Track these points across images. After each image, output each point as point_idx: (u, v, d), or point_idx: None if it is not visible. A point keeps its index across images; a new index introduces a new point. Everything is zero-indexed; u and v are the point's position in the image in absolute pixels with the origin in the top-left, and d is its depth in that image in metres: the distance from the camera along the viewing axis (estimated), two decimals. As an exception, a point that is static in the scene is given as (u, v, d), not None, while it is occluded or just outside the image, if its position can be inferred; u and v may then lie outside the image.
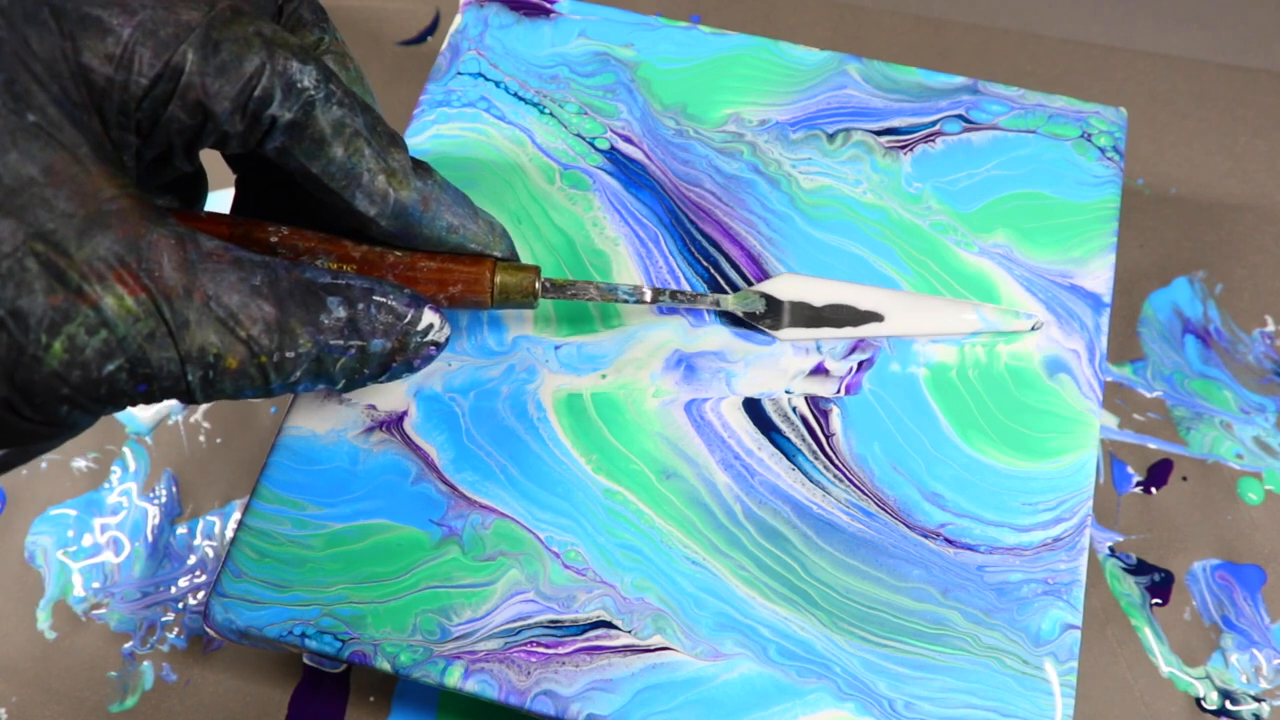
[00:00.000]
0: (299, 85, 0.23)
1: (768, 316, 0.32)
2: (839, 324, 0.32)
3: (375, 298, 0.24)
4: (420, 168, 0.26)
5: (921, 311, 0.32)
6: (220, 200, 0.43)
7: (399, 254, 0.27)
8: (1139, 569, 0.37)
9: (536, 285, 0.28)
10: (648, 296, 0.30)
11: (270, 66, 0.23)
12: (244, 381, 0.23)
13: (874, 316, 0.32)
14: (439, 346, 0.26)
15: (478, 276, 0.27)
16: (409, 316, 0.25)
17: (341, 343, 0.24)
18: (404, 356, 0.25)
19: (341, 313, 0.24)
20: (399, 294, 0.25)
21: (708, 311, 0.33)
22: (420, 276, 0.27)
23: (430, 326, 0.25)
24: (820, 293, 0.32)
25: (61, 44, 0.21)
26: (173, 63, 0.22)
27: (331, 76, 0.24)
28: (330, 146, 0.24)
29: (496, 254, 0.28)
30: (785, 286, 0.33)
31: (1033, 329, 0.32)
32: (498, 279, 0.27)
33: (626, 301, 0.30)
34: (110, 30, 0.21)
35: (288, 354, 0.23)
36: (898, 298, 0.33)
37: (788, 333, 0.32)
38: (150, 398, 0.22)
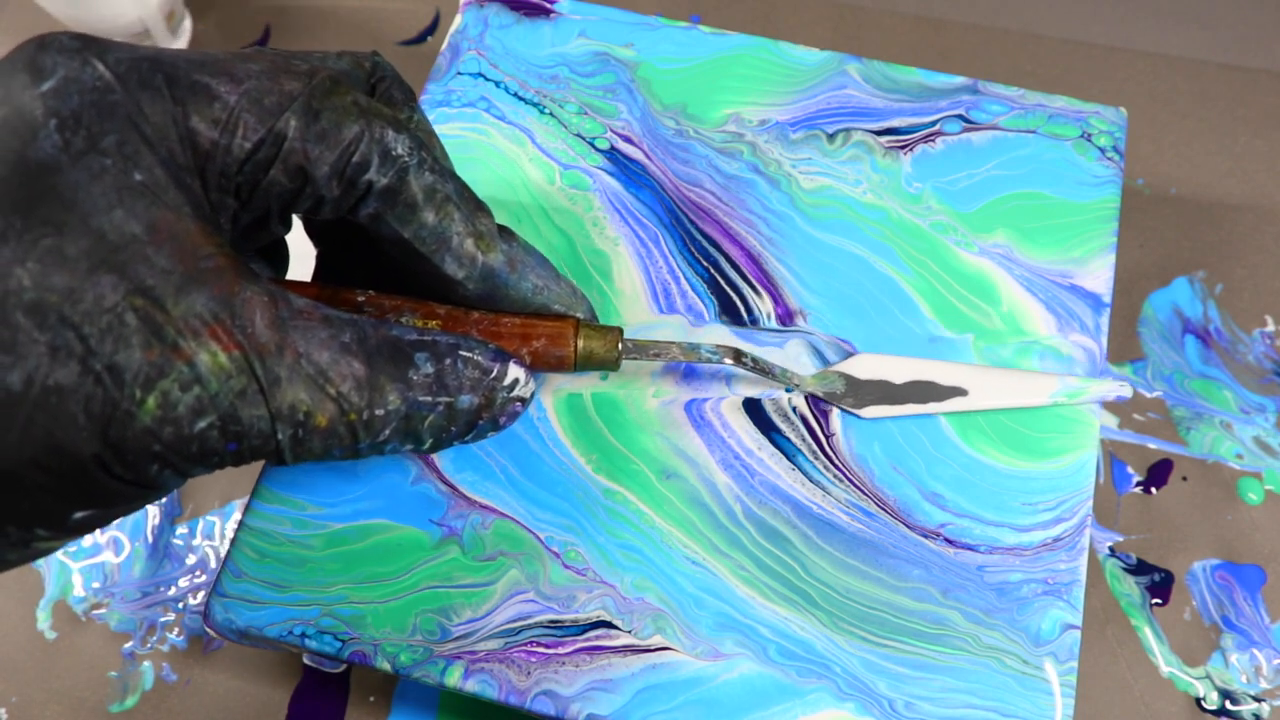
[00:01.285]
0: (394, 153, 0.24)
1: (849, 396, 0.32)
2: (923, 400, 0.32)
3: (462, 353, 0.24)
4: (505, 232, 0.26)
5: (1005, 383, 0.32)
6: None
7: (483, 312, 0.27)
8: (1139, 569, 0.37)
9: (619, 346, 0.28)
10: (729, 360, 0.29)
11: (368, 134, 0.23)
12: (333, 440, 0.23)
13: (958, 391, 0.32)
14: (524, 403, 0.25)
15: (561, 331, 0.27)
16: (495, 371, 0.24)
17: (430, 399, 0.23)
18: (490, 413, 0.25)
19: (429, 368, 0.23)
20: (484, 349, 0.25)
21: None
22: (504, 332, 0.27)
23: (516, 382, 0.25)
24: (899, 370, 0.32)
25: (172, 109, 0.22)
26: (276, 129, 0.22)
27: (423, 145, 0.24)
28: (422, 211, 0.24)
29: (579, 315, 0.28)
30: (863, 365, 0.32)
31: (1118, 398, 0.32)
32: (581, 339, 0.27)
33: (710, 361, 0.29)
34: (218, 97, 0.22)
35: (377, 411, 0.23)
36: (978, 372, 0.32)
37: (871, 410, 0.32)
38: (240, 458, 0.22)
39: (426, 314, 0.26)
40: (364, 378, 0.22)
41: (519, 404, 0.25)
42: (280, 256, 0.29)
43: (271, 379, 0.21)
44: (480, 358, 0.24)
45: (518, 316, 0.27)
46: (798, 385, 0.31)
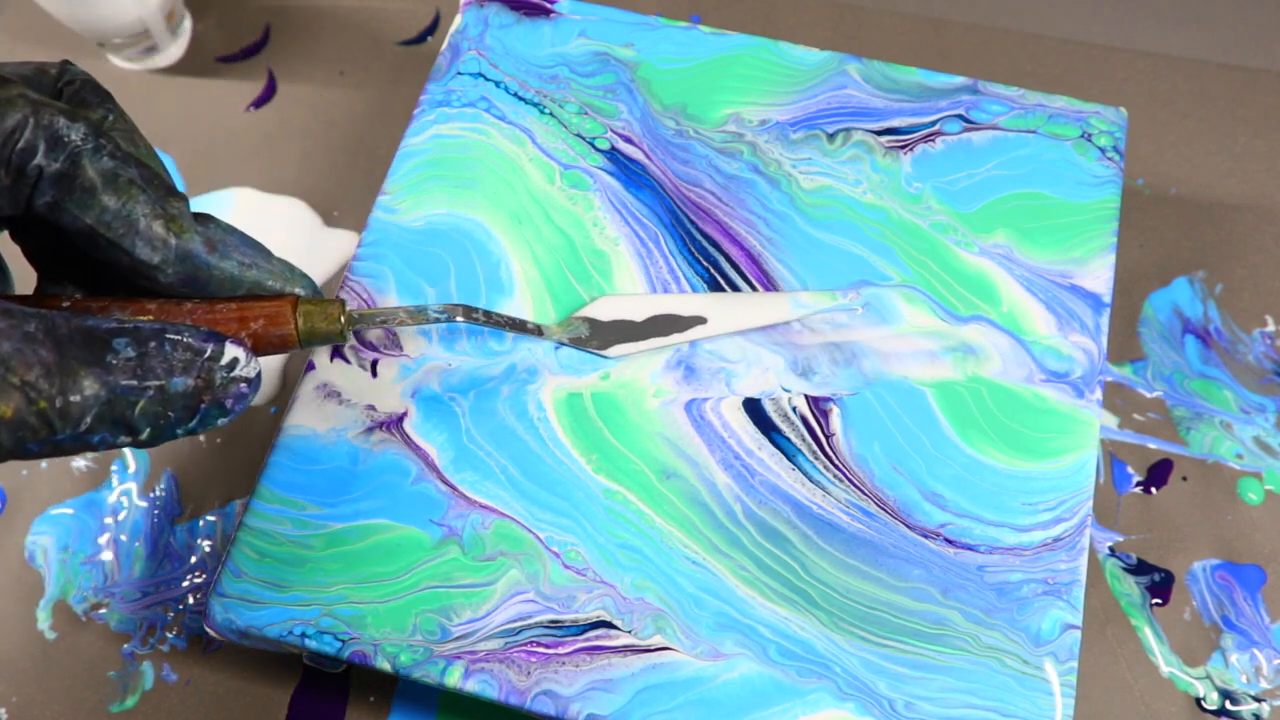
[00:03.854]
0: (65, 139, 0.23)
1: (594, 339, 0.32)
2: (665, 333, 0.32)
3: (169, 335, 0.23)
4: (204, 216, 0.26)
5: (742, 308, 0.33)
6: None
7: (198, 301, 0.26)
8: (1139, 569, 0.37)
9: (341, 315, 0.27)
10: (459, 316, 0.29)
11: (34, 121, 0.23)
12: (25, 432, 0.22)
13: (698, 320, 0.32)
14: (250, 383, 0.25)
15: (279, 310, 0.26)
16: (209, 351, 0.24)
17: (135, 383, 0.23)
18: (212, 395, 0.24)
19: (130, 352, 0.23)
20: (194, 331, 0.24)
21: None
22: (220, 318, 0.26)
23: (235, 361, 0.24)
24: (639, 308, 0.33)
25: None
26: None
27: (104, 134, 0.24)
28: (101, 195, 0.24)
29: (298, 291, 0.27)
30: (605, 308, 0.33)
31: (855, 308, 0.32)
32: (300, 316, 0.27)
33: (439, 321, 0.29)
34: None
35: (72, 398, 0.22)
36: (716, 300, 0.33)
37: (616, 349, 0.32)
38: None
39: (137, 310, 0.26)
40: (53, 364, 0.22)
41: (244, 384, 0.25)
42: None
43: None
44: (190, 339, 0.24)
45: (233, 301, 0.26)
46: (542, 333, 0.32)
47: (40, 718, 0.35)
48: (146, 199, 0.24)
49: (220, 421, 0.25)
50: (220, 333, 0.25)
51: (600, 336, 0.32)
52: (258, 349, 0.26)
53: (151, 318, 0.25)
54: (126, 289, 0.26)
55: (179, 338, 0.24)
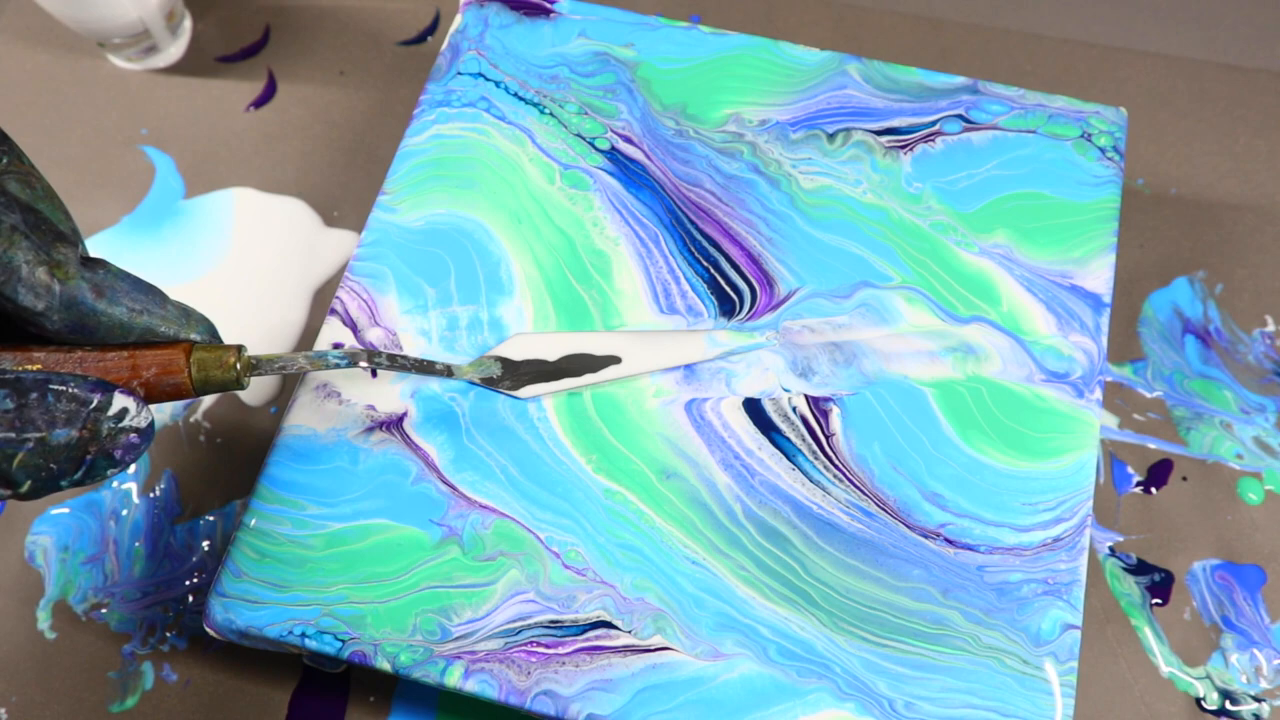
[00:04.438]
0: None
1: (506, 379, 0.32)
2: (579, 373, 0.32)
3: (52, 386, 0.23)
4: (95, 261, 0.25)
5: (657, 346, 0.32)
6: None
7: (88, 350, 0.25)
8: (1139, 569, 0.37)
9: (237, 362, 0.26)
10: (363, 361, 0.29)
11: None
12: None
13: (612, 360, 0.32)
14: (141, 433, 0.24)
15: (172, 358, 0.26)
16: (95, 401, 0.23)
17: (13, 435, 0.22)
18: (99, 446, 0.23)
19: (8, 404, 0.22)
20: (80, 381, 0.23)
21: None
22: (112, 366, 0.25)
23: (124, 411, 0.24)
24: (553, 346, 0.32)
25: None
26: None
27: None
28: None
29: (194, 337, 0.26)
30: (518, 346, 0.32)
31: (771, 345, 0.32)
32: (194, 364, 0.26)
33: (339, 366, 0.28)
34: None
35: None
36: (630, 338, 0.32)
37: (528, 390, 0.32)
38: None
39: (24, 359, 0.25)
40: None
41: (134, 435, 0.24)
42: None
43: None
44: (75, 389, 0.23)
45: (126, 349, 0.25)
46: (452, 374, 0.31)
47: (40, 718, 0.35)
48: (29, 245, 0.23)
49: (110, 472, 0.24)
50: (109, 382, 0.24)
51: (512, 376, 0.32)
52: (151, 398, 0.25)
53: (39, 367, 0.25)
54: (17, 336, 0.25)
55: (63, 388, 0.23)
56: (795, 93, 0.37)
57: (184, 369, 0.26)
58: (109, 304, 0.25)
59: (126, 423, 0.24)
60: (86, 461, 0.23)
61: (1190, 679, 0.35)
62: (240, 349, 0.26)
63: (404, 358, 0.30)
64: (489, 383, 0.32)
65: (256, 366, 0.27)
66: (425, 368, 0.30)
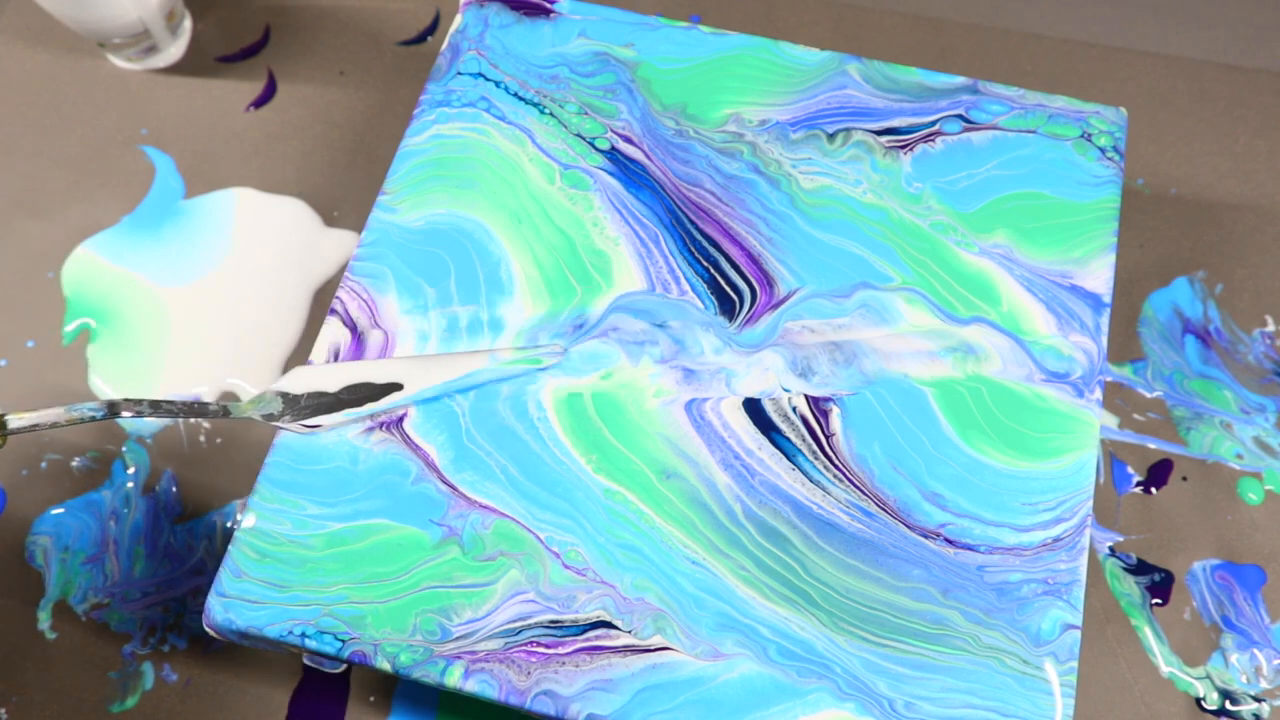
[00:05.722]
0: None
1: (287, 413, 0.32)
2: (360, 402, 0.32)
3: None
4: None
5: (438, 368, 0.32)
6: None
7: None
8: (1139, 569, 0.37)
9: None
10: (124, 410, 0.29)
11: None
12: None
13: (394, 387, 0.32)
14: None
15: None
16: None
17: None
18: None
19: None
20: None
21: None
22: None
23: None
24: (333, 378, 0.32)
25: None
26: None
27: None
28: None
29: None
30: (297, 380, 0.32)
31: (555, 359, 0.32)
32: None
33: (96, 419, 0.29)
34: None
35: None
36: (411, 364, 0.32)
37: (314, 421, 0.32)
38: None
39: None
40: None
41: None
42: None
43: None
44: None
45: None
46: (229, 414, 0.31)
47: (40, 718, 0.35)
48: None
49: None
50: None
51: (293, 410, 0.32)
52: None
53: None
54: None
55: None
56: (795, 93, 0.37)
57: None
58: None
59: None
60: None
61: (1190, 679, 0.35)
62: None
63: (170, 403, 0.30)
64: (270, 418, 0.31)
65: (12, 429, 0.28)
66: (196, 411, 0.30)
